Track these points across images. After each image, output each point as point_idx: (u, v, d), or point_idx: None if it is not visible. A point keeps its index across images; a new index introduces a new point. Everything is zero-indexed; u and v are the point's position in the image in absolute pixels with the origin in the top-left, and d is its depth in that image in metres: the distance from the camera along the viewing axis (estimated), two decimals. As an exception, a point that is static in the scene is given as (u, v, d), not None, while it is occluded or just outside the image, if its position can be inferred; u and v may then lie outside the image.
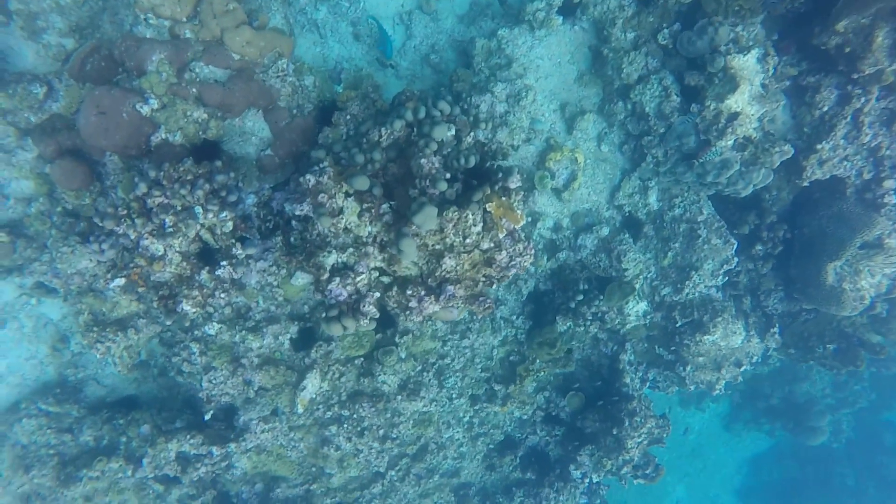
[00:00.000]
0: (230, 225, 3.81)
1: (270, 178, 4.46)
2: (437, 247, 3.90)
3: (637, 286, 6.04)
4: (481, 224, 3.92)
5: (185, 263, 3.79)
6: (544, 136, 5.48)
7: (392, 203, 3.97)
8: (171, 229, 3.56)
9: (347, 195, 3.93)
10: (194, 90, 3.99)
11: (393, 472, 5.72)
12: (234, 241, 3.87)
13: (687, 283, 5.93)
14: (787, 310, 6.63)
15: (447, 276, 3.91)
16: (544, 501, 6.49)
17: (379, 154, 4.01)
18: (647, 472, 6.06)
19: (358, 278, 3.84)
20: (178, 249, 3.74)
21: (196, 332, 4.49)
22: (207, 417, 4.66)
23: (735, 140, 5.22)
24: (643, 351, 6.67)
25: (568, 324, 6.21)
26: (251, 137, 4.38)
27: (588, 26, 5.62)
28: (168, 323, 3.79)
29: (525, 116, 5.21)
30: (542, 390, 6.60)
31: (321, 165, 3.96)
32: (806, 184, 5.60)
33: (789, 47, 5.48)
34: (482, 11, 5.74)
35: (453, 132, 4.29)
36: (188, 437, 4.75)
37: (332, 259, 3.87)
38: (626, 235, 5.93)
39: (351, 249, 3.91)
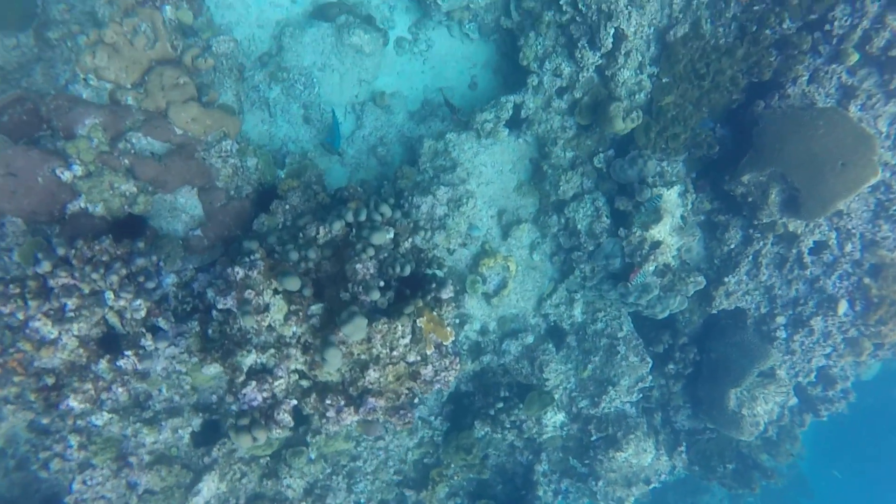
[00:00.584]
0: (143, 312, 3.52)
1: (196, 259, 4.22)
2: (363, 356, 3.78)
3: (556, 397, 6.10)
4: (410, 336, 3.86)
5: (81, 350, 3.41)
6: (480, 242, 5.61)
7: (321, 304, 3.84)
8: (71, 314, 3.22)
9: (276, 292, 3.77)
10: (126, 161, 3.77)
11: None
12: (144, 330, 3.56)
13: (604, 396, 6.07)
14: (693, 427, 6.91)
15: (370, 387, 3.77)
16: None
17: (314, 253, 3.91)
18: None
19: (276, 382, 3.61)
20: (75, 333, 3.38)
21: (79, 422, 4.00)
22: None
23: (655, 266, 5.58)
24: (558, 460, 6.65)
25: (486, 429, 6.12)
26: (181, 214, 4.17)
27: (531, 140, 5.95)
28: (45, 421, 3.34)
29: (464, 221, 5.33)
30: (453, 496, 6.36)
31: (252, 258, 3.80)
32: (714, 311, 6.03)
33: (705, 186, 6.04)
34: (433, 112, 5.97)
35: (391, 235, 4.29)
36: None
37: (250, 360, 3.63)
38: (550, 345, 6.05)
39: (272, 350, 3.70)
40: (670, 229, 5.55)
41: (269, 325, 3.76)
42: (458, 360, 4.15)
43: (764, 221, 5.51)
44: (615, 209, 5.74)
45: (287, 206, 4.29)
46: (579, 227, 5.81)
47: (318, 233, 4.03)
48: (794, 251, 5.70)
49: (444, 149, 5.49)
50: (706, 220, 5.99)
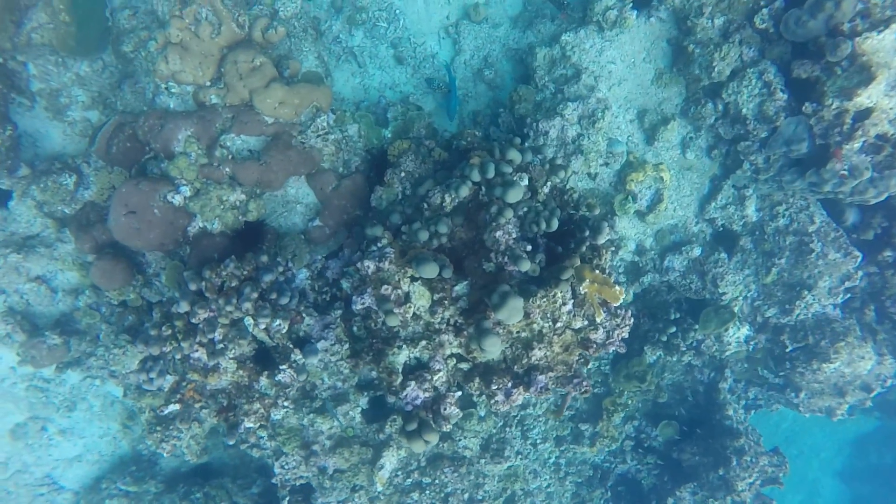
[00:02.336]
0: (285, 328, 3.37)
1: (322, 249, 3.98)
2: (524, 334, 3.34)
3: (736, 309, 5.29)
4: (572, 301, 3.32)
5: (241, 371, 3.40)
6: (624, 156, 4.72)
7: (465, 282, 3.41)
8: (221, 346, 3.15)
9: (413, 279, 3.40)
10: (228, 169, 3.50)
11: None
12: (291, 345, 3.44)
13: (798, 302, 5.14)
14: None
15: (536, 363, 3.36)
16: (640, 539, 6.04)
17: (445, 226, 3.43)
18: (761, 514, 5.49)
19: (435, 377, 3.35)
20: (231, 357, 3.35)
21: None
22: (283, 504, 4.39)
23: (864, 142, 4.31)
24: (742, 370, 5.97)
25: (658, 353, 5.58)
26: (296, 206, 3.89)
27: (666, 16, 4.73)
28: (230, 442, 3.47)
29: (601, 138, 4.46)
30: (630, 419, 6.04)
31: (379, 245, 3.43)
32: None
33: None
34: (538, 12, 4.93)
35: (526, 182, 3.65)
36: (266, 520, 4.52)
37: (402, 356, 3.39)
38: (721, 254, 5.16)
39: (423, 343, 3.40)
40: (886, 87, 4.17)
41: (415, 314, 3.45)
42: (629, 313, 3.56)
43: None
44: (793, 79, 4.44)
45: (402, 174, 3.80)
46: (744, 111, 4.62)
47: (443, 201, 3.52)
48: None
49: (561, 55, 4.53)
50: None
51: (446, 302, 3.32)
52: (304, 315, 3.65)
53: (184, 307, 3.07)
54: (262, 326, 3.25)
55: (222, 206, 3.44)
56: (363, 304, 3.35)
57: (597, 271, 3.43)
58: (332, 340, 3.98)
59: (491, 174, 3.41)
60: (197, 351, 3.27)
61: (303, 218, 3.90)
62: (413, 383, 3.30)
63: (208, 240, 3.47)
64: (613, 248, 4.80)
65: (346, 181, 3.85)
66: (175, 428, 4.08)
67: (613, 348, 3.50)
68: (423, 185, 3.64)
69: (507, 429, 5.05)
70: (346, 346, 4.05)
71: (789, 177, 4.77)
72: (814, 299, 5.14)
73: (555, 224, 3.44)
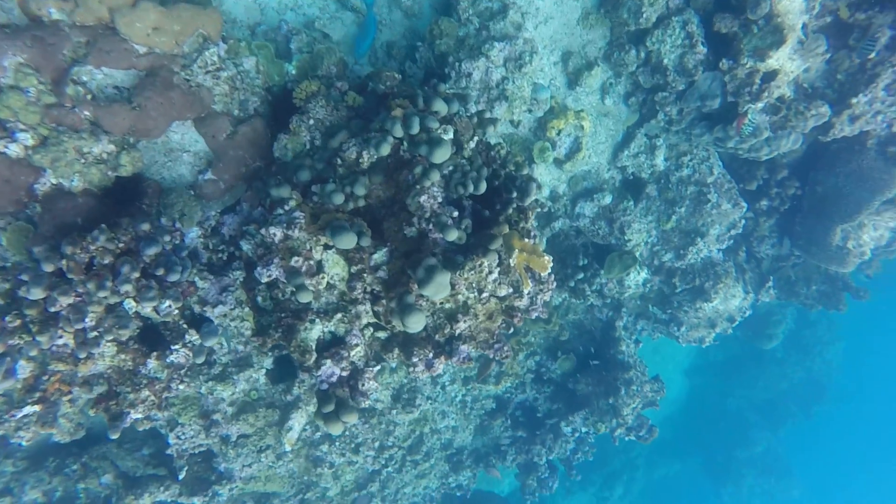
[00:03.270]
0: (176, 308, 2.89)
1: (216, 204, 3.42)
2: (448, 305, 3.17)
3: (638, 254, 5.55)
4: (498, 269, 3.17)
5: (123, 355, 2.91)
6: (548, 104, 4.49)
7: (385, 249, 3.11)
8: (94, 334, 2.63)
9: (327, 247, 3.04)
10: (87, 113, 2.76)
11: (389, 468, 5.49)
12: (184, 324, 2.98)
13: (691, 248, 5.49)
14: (777, 254, 6.41)
15: (459, 334, 3.24)
16: (535, 457, 6.57)
17: (362, 187, 3.05)
18: (641, 433, 6.13)
19: (353, 352, 3.11)
20: (109, 340, 2.84)
21: (151, 396, 3.71)
22: (182, 476, 4.07)
23: (766, 103, 4.45)
24: (635, 307, 6.41)
25: (564, 296, 5.78)
26: (181, 155, 3.25)
27: (598, -52, 4.38)
28: (114, 436, 3.01)
29: (527, 84, 4.17)
30: (532, 355, 6.33)
31: (287, 208, 2.99)
32: (827, 139, 5.01)
33: (834, -27, 4.51)
34: (463, -72, 4.32)
35: (451, 136, 3.32)
36: (161, 487, 4.20)
37: (316, 331, 3.08)
38: (630, 203, 5.28)
39: (339, 315, 3.11)
40: (791, 51, 4.26)
41: (329, 284, 3.12)
42: (553, 278, 3.51)
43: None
44: (714, 32, 4.39)
45: (311, 122, 3.27)
46: (666, 61, 4.55)
47: (360, 157, 3.10)
48: (953, 51, 4.40)
49: (488, -17, 4.05)
50: (833, 21, 4.58)
51: (365, 275, 3.02)
52: (196, 285, 3.16)
53: (37, 294, 2.47)
54: (149, 308, 2.76)
55: (83, 161, 2.74)
56: (270, 275, 2.94)
57: (525, 240, 3.29)
58: (231, 304, 3.55)
59: (415, 129, 3.03)
60: (62, 337, 2.72)
61: (191, 169, 3.28)
62: (329, 361, 3.04)
63: (67, 201, 2.78)
64: (539, 209, 4.70)
65: (244, 127, 3.24)
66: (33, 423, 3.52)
67: (536, 314, 3.46)
68: (335, 137, 3.17)
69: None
70: (247, 309, 3.65)
71: (699, 130, 4.87)
72: (704, 245, 5.50)
73: (483, 187, 3.20)
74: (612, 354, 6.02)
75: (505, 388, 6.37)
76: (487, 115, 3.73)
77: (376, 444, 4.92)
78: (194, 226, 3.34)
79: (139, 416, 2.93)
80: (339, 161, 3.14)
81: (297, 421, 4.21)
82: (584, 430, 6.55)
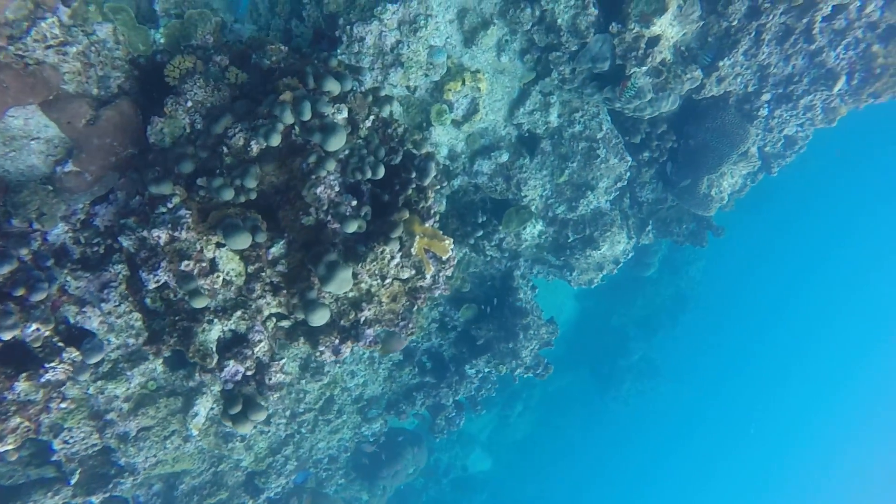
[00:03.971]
0: (46, 330, 2.61)
1: (85, 196, 3.04)
2: (352, 294, 3.16)
3: (533, 208, 5.79)
4: (399, 254, 3.19)
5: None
6: (445, 67, 4.37)
7: (282, 241, 2.99)
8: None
9: (220, 245, 2.86)
10: None
11: (302, 430, 5.57)
12: (60, 342, 2.71)
13: (582, 201, 5.81)
14: (656, 198, 6.99)
15: (364, 319, 3.27)
16: (443, 399, 6.98)
17: (253, 179, 2.85)
18: (539, 371, 6.68)
19: (257, 349, 3.04)
20: (-29, 363, 2.53)
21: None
22: (73, 481, 3.83)
23: (650, 66, 4.67)
24: (531, 254, 6.76)
25: (464, 251, 5.95)
26: (28, 143, 2.81)
27: None
28: None
29: (423, 48, 4.01)
30: (436, 306, 6.55)
31: (170, 206, 2.74)
32: (699, 98, 5.41)
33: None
34: None
35: (346, 114, 3.17)
36: (49, 493, 3.95)
37: (215, 332, 2.95)
38: (526, 160, 5.43)
39: (239, 312, 3.00)
40: (672, 17, 4.44)
41: (225, 281, 2.97)
42: (454, 254, 3.60)
43: (783, -10, 4.48)
44: (606, -7, 4.45)
45: (189, 104, 2.93)
46: (559, 21, 4.57)
47: (248, 145, 2.87)
48: (804, 21, 4.83)
49: (376, -66, 3.73)
50: (708, -15, 4.81)
51: (263, 273, 2.91)
52: (68, 290, 2.87)
53: None
54: (9, 337, 2.46)
55: None
56: (158, 281, 2.73)
57: (426, 224, 3.31)
58: (114, 301, 3.27)
59: (307, 115, 2.84)
60: None
61: (45, 159, 2.84)
62: (232, 361, 2.95)
63: None
64: (439, 187, 4.67)
65: (108, 111, 2.84)
66: None
67: (439, 291, 3.56)
68: (219, 123, 2.89)
69: (326, 343, 5.05)
70: (131, 301, 3.39)
71: (590, 90, 5.03)
72: (594, 197, 5.85)
73: (381, 172, 3.13)
74: (511, 302, 6.39)
75: (411, 340, 6.58)
76: (384, 92, 3.56)
77: (287, 412, 4.95)
78: (57, 223, 2.97)
79: (10, 447, 2.69)
80: (226, 149, 2.89)
81: (203, 406, 4.11)
82: (486, 370, 7.02)
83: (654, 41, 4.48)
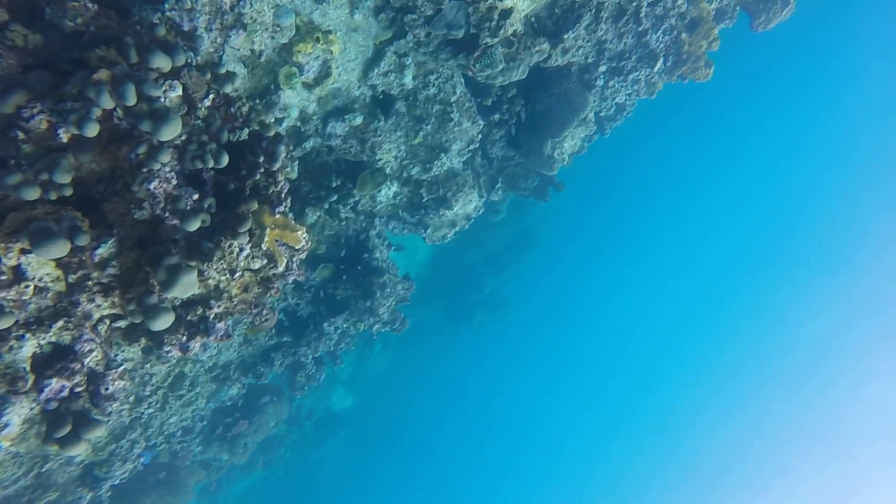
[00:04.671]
0: None
1: None
2: (199, 291, 2.95)
3: (388, 171, 5.78)
4: (249, 245, 3.03)
5: None
6: (293, 29, 4.02)
7: (110, 240, 2.66)
8: None
9: (26, 251, 2.45)
10: None
11: (149, 410, 5.19)
12: None
13: (436, 163, 5.92)
14: (505, 155, 7.37)
15: (214, 315, 3.09)
16: (302, 357, 6.95)
17: (65, 174, 2.44)
18: (395, 326, 6.90)
19: (87, 359, 2.73)
20: None
21: None
22: None
23: (503, 38, 4.77)
24: (386, 212, 6.80)
25: (318, 214, 5.78)
26: None
27: None
28: None
29: (267, 7, 3.63)
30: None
31: (-50, 208, 2.26)
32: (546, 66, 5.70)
33: None
34: None
35: (180, 92, 2.83)
36: None
37: (29, 349, 2.58)
38: (380, 122, 5.34)
39: (60, 322, 2.64)
40: (524, -10, 4.54)
41: (38, 288, 2.58)
42: (307, 236, 3.49)
43: (618, -26, 4.79)
44: (461, -42, 4.36)
45: (-41, 74, 2.35)
46: (416, -18, 4.41)
47: (53, 130, 2.43)
48: (633, 4, 5.25)
49: None
50: (556, -42, 4.97)
51: (89, 282, 2.57)
52: None
53: None
54: None
55: None
56: (-59, 299, 2.28)
57: (278, 209, 3.15)
58: None
59: (132, 101, 2.47)
60: None
61: None
62: (55, 379, 2.62)
63: None
64: (289, 169, 4.37)
65: None
66: None
67: (293, 277, 3.46)
68: (8, 100, 2.38)
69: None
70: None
71: (444, 55, 5.01)
72: (447, 159, 5.98)
73: (225, 160, 2.87)
74: (367, 260, 6.44)
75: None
76: (223, 70, 3.17)
77: (131, 398, 4.58)
78: None
79: None
80: (21, 134, 2.41)
81: (16, 414, 3.62)
82: (345, 326, 7.09)
83: (507, 13, 4.56)
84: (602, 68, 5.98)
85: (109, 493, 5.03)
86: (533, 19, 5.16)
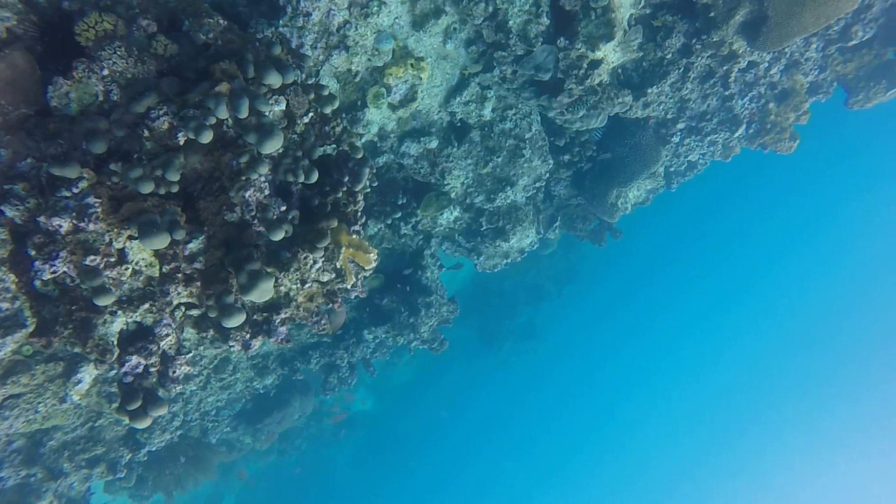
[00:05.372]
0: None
1: (-43, 152, 2.64)
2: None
3: (453, 195, 5.90)
4: (322, 260, 3.18)
5: None
6: (389, 56, 4.20)
7: (201, 237, 2.85)
8: None
9: (132, 237, 2.66)
10: None
11: (193, 387, 5.44)
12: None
13: (500, 194, 6.01)
14: (568, 194, 7.39)
15: (280, 320, 3.24)
16: (338, 360, 7.11)
17: (175, 173, 2.65)
18: (434, 345, 6.99)
19: (163, 343, 2.92)
20: None
21: None
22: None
23: (588, 86, 4.83)
24: (443, 234, 6.92)
25: (380, 227, 5.95)
26: None
27: None
28: None
29: (370, 33, 3.82)
30: (344, 273, 6.54)
31: (76, 190, 2.49)
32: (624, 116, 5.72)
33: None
34: None
35: (283, 106, 3.02)
36: None
37: (118, 325, 2.79)
38: (454, 149, 5.47)
39: (146, 304, 2.84)
40: (616, 44, 4.59)
41: (134, 271, 2.79)
42: (375, 255, 3.63)
43: (714, 39, 4.78)
44: (558, 6, 4.46)
45: (106, 72, 2.59)
46: (511, 23, 4.54)
47: (173, 132, 2.64)
48: (724, 68, 5.22)
49: None
50: (651, 14, 5.00)
51: (178, 274, 2.77)
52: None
53: None
54: None
55: None
56: (55, 272, 2.50)
57: (353, 228, 3.30)
58: (-10, 267, 2.95)
59: (244, 114, 2.66)
60: None
61: None
62: (135, 357, 2.82)
63: None
64: (369, 190, 4.55)
65: (-3, 64, 2.43)
66: None
67: (356, 294, 3.60)
68: (141, 101, 2.60)
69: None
70: (12, 277, 3.07)
71: (527, 94, 5.10)
72: (512, 193, 6.06)
73: (314, 178, 3.04)
74: (418, 278, 6.56)
75: (315, 302, 6.56)
76: (326, 92, 3.37)
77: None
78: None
79: None
80: (146, 132, 2.64)
81: (88, 373, 3.88)
82: (384, 336, 7.22)
83: (596, 64, 4.62)
84: (680, 125, 5.95)
85: (146, 458, 5.29)
86: (619, 71, 5.20)
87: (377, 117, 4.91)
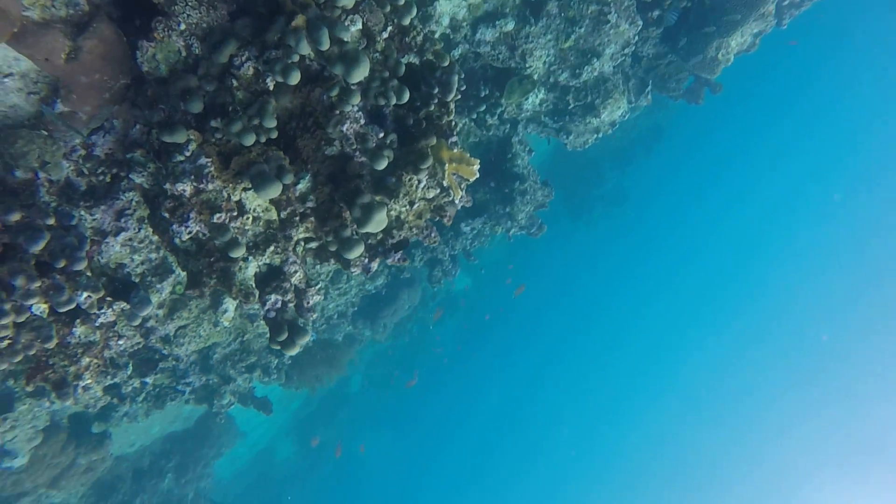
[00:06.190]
0: (95, 297, 2.64)
1: (80, 131, 2.82)
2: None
3: (536, 77, 5.51)
4: (426, 177, 3.17)
5: (30, 335, 2.72)
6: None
7: (307, 176, 2.92)
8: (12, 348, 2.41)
9: (247, 189, 2.79)
10: None
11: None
12: (108, 296, 2.75)
13: (586, 68, 5.54)
14: (657, 52, 6.66)
15: (393, 241, 3.36)
16: (440, 255, 7.38)
17: (272, 119, 2.67)
18: (532, 230, 6.98)
19: (293, 279, 3.15)
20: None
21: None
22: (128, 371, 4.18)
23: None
24: (530, 118, 6.60)
25: (465, 122, 5.77)
26: (2, 81, 2.51)
27: None
28: (68, 403, 2.91)
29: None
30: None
31: (188, 153, 2.61)
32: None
33: None
34: None
35: (359, 26, 2.87)
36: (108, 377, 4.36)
37: (252, 269, 3.03)
38: (532, 27, 5.01)
39: (271, 247, 3.04)
40: None
41: (254, 218, 2.96)
42: (478, 165, 3.56)
43: None
44: None
45: (183, 26, 2.55)
46: None
47: (259, 76, 2.62)
48: None
49: None
50: None
51: (295, 218, 2.90)
52: (99, 240, 2.84)
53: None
54: (65, 309, 2.50)
55: None
56: (190, 232, 2.71)
57: (450, 140, 3.21)
58: (133, 228, 3.27)
59: (325, 45, 2.55)
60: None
61: (26, 97, 2.54)
62: (273, 295, 3.08)
63: None
64: (459, 97, 4.30)
65: (89, 41, 2.45)
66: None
67: (461, 204, 3.60)
68: (222, 50, 2.57)
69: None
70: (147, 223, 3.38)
71: (609, -53, 4.44)
72: (599, 64, 5.55)
73: (405, 97, 2.94)
74: (508, 167, 6.42)
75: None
76: (402, 1, 3.09)
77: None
78: (63, 168, 2.81)
79: (89, 382, 2.92)
80: (234, 82, 2.63)
81: (231, 303, 4.35)
82: (481, 227, 7.32)
83: None
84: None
85: (289, 362, 6.04)
86: None
87: (447, 8, 4.55)
